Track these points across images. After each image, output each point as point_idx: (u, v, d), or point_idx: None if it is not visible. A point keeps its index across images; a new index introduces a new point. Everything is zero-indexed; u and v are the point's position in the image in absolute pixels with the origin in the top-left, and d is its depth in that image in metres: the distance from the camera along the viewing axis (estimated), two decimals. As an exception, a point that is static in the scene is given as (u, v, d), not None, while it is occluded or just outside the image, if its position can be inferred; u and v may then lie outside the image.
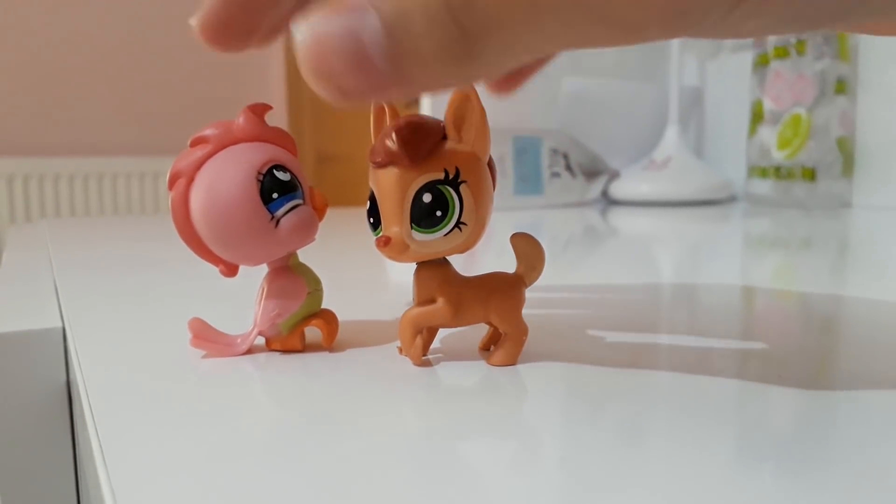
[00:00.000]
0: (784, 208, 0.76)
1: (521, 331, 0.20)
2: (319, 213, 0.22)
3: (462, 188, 0.18)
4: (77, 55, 1.86)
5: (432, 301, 0.20)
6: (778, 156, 0.78)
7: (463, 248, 0.20)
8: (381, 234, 0.19)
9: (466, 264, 0.21)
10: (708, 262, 0.44)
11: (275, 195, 0.20)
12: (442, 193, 0.18)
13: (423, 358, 0.21)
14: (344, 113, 1.69)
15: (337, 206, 0.79)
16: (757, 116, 0.82)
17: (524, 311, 0.21)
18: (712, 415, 0.16)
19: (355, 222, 0.70)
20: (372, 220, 0.20)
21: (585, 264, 0.43)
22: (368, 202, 0.20)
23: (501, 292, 0.20)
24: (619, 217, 0.72)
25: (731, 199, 0.87)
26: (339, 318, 0.23)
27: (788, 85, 0.77)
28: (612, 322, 0.25)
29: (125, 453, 0.14)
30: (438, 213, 0.18)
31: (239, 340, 0.22)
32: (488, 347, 0.22)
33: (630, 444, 0.15)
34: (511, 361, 0.20)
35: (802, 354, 0.21)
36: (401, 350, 0.21)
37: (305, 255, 0.22)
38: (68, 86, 1.86)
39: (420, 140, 0.18)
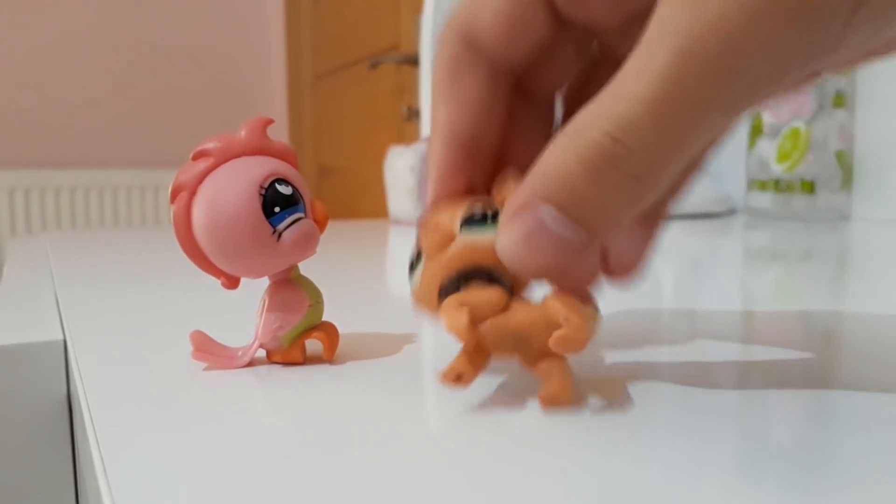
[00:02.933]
0: (783, 221, 0.76)
1: (568, 391, 0.18)
2: (320, 225, 0.22)
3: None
4: (78, 68, 1.87)
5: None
6: (777, 169, 0.79)
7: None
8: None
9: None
10: (707, 275, 0.44)
11: (277, 209, 0.20)
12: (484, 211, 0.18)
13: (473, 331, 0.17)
14: (344, 127, 1.70)
15: (338, 218, 0.79)
16: (756, 130, 0.82)
17: None
18: (712, 428, 0.16)
19: (356, 235, 0.70)
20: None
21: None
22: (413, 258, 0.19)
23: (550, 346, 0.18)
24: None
25: (730, 213, 0.88)
26: (340, 330, 0.23)
27: (787, 98, 0.78)
28: (611, 335, 0.25)
29: (126, 465, 0.15)
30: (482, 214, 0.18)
31: (240, 353, 0.22)
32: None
33: (628, 458, 0.15)
34: (566, 399, 0.18)
35: (803, 367, 0.21)
36: (445, 376, 0.18)
37: (306, 268, 0.22)
38: (69, 98, 1.87)
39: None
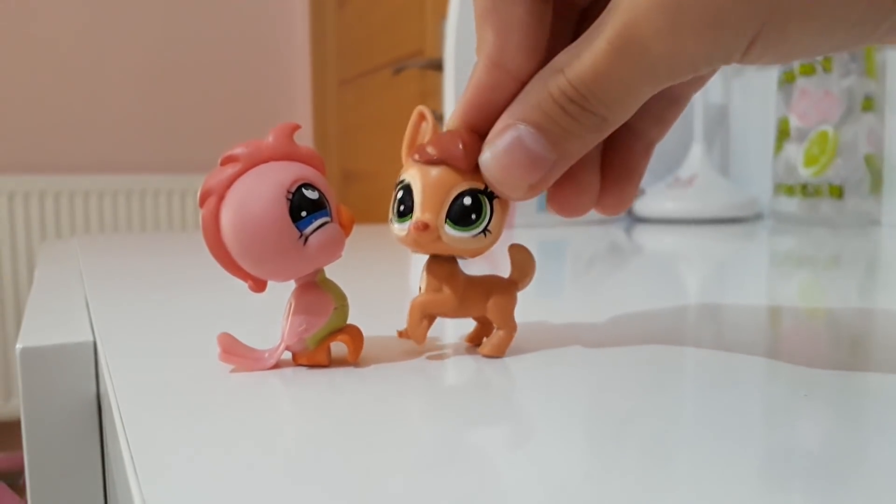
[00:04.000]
0: (811, 226, 0.75)
1: (513, 327, 0.23)
2: (346, 229, 0.22)
3: (494, 202, 0.21)
4: (107, 75, 1.90)
5: (439, 291, 0.22)
6: (805, 173, 0.78)
7: (476, 253, 0.22)
8: (408, 222, 0.21)
9: (464, 266, 0.23)
10: (734, 279, 0.44)
11: (303, 213, 0.20)
12: (479, 200, 0.21)
13: (424, 340, 0.23)
14: (368, 132, 1.71)
15: (362, 222, 0.79)
16: (783, 133, 0.81)
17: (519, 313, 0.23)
18: (738, 434, 0.16)
19: (380, 238, 0.70)
20: (402, 207, 0.21)
21: (610, 282, 0.43)
22: (400, 192, 0.21)
23: (499, 292, 0.23)
24: (645, 235, 0.72)
25: (757, 217, 0.87)
26: (365, 333, 0.23)
27: (815, 102, 0.77)
28: (638, 339, 0.25)
29: (155, 465, 0.15)
30: (473, 217, 0.21)
31: (266, 355, 0.22)
32: (475, 342, 0.24)
33: (654, 463, 0.15)
34: (500, 353, 0.23)
35: (831, 373, 0.21)
36: (401, 334, 0.23)
37: (332, 271, 0.23)
38: (100, 104, 1.90)
39: (478, 151, 0.20)
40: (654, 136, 0.23)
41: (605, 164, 0.23)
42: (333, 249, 0.21)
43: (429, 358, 0.23)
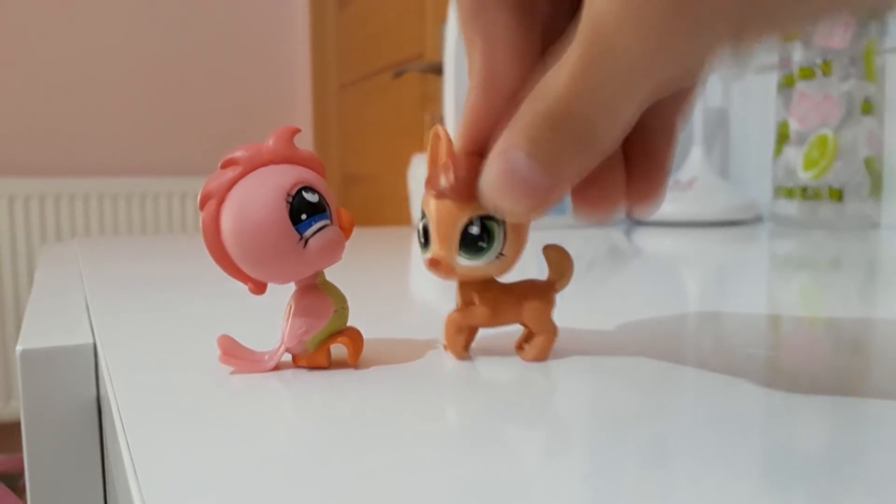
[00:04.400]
0: (810, 229, 0.75)
1: (551, 330, 0.23)
2: (346, 232, 0.22)
3: (506, 223, 0.21)
4: (107, 78, 1.90)
5: (472, 303, 0.22)
6: (804, 176, 0.78)
7: (501, 272, 0.22)
8: (429, 254, 0.21)
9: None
10: (734, 282, 0.44)
11: (304, 216, 0.20)
12: (487, 227, 0.21)
13: (465, 353, 0.23)
14: (368, 135, 1.71)
15: (362, 225, 0.79)
16: (783, 137, 0.81)
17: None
18: (739, 436, 0.16)
19: (380, 242, 0.70)
20: (424, 240, 0.22)
21: (610, 285, 0.43)
22: (421, 223, 0.22)
23: (534, 296, 0.23)
24: (644, 237, 0.72)
25: (756, 220, 0.87)
26: (365, 335, 0.23)
27: (814, 105, 0.77)
28: (637, 342, 0.25)
29: (155, 467, 0.15)
30: (482, 244, 0.21)
31: (266, 357, 0.22)
32: (522, 347, 0.24)
33: (655, 464, 0.15)
34: (542, 357, 0.23)
35: (831, 376, 0.21)
36: (445, 347, 0.23)
37: (332, 274, 0.23)
38: (99, 107, 1.90)
39: (471, 181, 0.20)
40: (674, 123, 0.22)
41: (627, 160, 0.22)
42: (333, 252, 0.21)
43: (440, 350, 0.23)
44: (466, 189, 0.20)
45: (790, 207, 0.80)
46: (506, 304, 0.23)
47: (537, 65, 0.20)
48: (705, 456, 0.15)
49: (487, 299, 0.22)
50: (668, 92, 0.17)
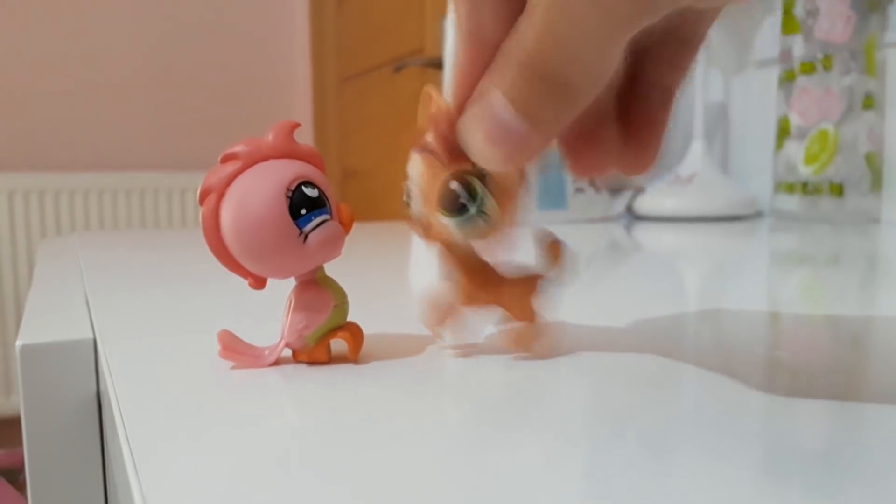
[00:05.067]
0: (811, 224, 0.75)
1: (530, 319, 0.22)
2: (346, 227, 0.22)
3: (487, 180, 0.20)
4: (107, 72, 1.90)
5: (450, 279, 0.22)
6: (805, 171, 0.78)
7: (485, 240, 0.21)
8: (410, 213, 0.21)
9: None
10: (734, 278, 0.44)
11: (303, 211, 0.20)
12: (469, 183, 0.20)
13: (441, 330, 0.23)
14: (368, 130, 1.71)
15: (362, 220, 0.79)
16: (783, 132, 0.81)
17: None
18: (739, 431, 0.16)
19: (380, 236, 0.70)
20: (408, 200, 0.21)
21: (610, 280, 0.43)
22: (406, 184, 0.21)
23: (517, 281, 0.22)
24: (644, 233, 0.72)
25: (757, 215, 0.87)
26: (364, 330, 0.23)
27: (815, 100, 0.77)
28: (637, 337, 0.25)
29: (155, 461, 0.15)
30: (461, 201, 0.20)
31: (266, 352, 0.22)
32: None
33: (655, 459, 0.15)
34: (520, 346, 0.22)
35: (830, 371, 0.21)
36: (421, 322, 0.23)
37: (332, 269, 0.23)
38: (98, 102, 1.90)
39: (455, 136, 0.19)
40: (670, 83, 0.21)
41: (622, 118, 0.21)
42: (333, 247, 0.21)
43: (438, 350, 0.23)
44: (449, 145, 0.20)
45: (791, 202, 0.80)
46: (486, 284, 0.22)
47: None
48: (704, 450, 0.15)
49: (468, 275, 0.22)
50: (647, 38, 0.17)
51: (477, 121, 0.18)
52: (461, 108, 0.20)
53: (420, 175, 0.21)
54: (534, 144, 0.18)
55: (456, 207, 0.20)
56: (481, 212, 0.20)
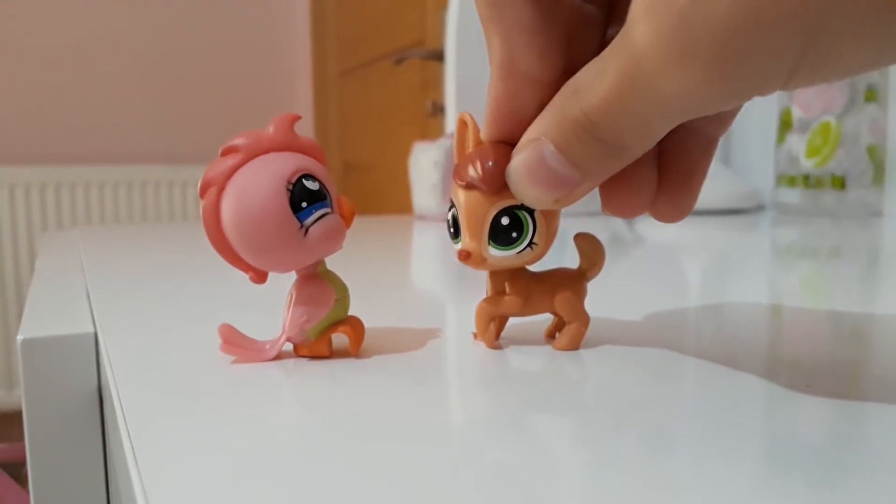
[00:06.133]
0: (813, 217, 0.75)
1: (583, 320, 0.23)
2: (346, 221, 0.22)
3: (536, 213, 0.21)
4: (108, 66, 1.90)
5: (503, 293, 0.22)
6: (807, 164, 0.77)
7: (532, 262, 0.22)
8: (460, 244, 0.21)
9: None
10: (735, 271, 0.44)
11: (304, 204, 0.20)
12: (518, 217, 0.21)
13: (496, 342, 0.23)
14: (369, 122, 1.71)
15: (363, 213, 0.79)
16: (785, 124, 0.81)
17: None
18: (740, 424, 0.16)
19: (381, 230, 0.70)
20: (453, 230, 0.22)
21: (611, 273, 0.43)
22: (450, 213, 0.22)
23: (565, 285, 0.23)
24: (646, 226, 0.71)
25: (758, 208, 0.87)
26: (366, 324, 0.23)
27: (817, 93, 0.76)
28: (639, 331, 0.25)
29: (156, 455, 0.15)
30: (514, 235, 0.21)
31: (268, 346, 0.22)
32: (553, 335, 0.24)
33: (656, 453, 0.15)
34: (575, 346, 0.23)
35: (832, 364, 0.21)
36: (475, 336, 0.23)
37: (333, 263, 0.23)
38: (99, 95, 1.90)
39: (500, 171, 0.20)
40: (713, 133, 0.21)
41: (662, 164, 0.21)
42: (334, 240, 0.21)
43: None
44: (495, 180, 0.20)
45: (792, 195, 0.79)
46: (537, 294, 0.22)
47: (561, 46, 0.20)
48: (706, 444, 0.15)
49: (519, 288, 0.22)
50: (699, 116, 0.17)
51: (527, 168, 0.19)
52: (495, 138, 0.21)
53: (464, 207, 0.21)
54: (583, 190, 0.19)
55: (507, 242, 0.21)
56: (532, 242, 0.21)
